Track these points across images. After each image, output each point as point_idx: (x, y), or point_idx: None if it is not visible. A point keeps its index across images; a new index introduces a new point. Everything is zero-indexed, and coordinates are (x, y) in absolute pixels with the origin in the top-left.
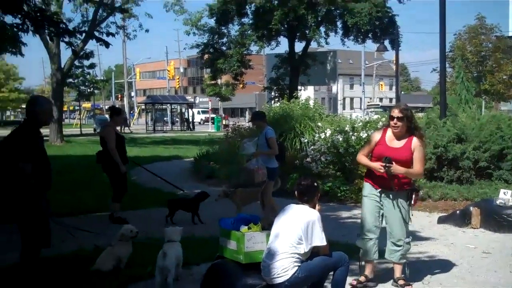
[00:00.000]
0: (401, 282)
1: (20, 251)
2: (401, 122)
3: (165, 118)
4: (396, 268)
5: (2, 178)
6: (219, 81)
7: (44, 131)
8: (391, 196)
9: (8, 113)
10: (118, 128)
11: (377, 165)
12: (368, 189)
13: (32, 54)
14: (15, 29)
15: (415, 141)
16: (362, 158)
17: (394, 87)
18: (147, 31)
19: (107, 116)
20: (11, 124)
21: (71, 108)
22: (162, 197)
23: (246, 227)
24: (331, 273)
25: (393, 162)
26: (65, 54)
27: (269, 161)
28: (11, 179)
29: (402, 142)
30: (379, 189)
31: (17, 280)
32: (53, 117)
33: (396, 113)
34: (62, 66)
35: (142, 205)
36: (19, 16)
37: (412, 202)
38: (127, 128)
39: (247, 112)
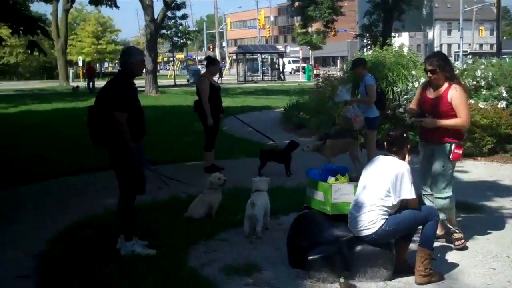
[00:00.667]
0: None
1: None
2: (435, 75)
3: (255, 68)
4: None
5: (100, 127)
6: (309, 29)
7: (140, 82)
8: (432, 148)
9: (106, 64)
10: (216, 77)
11: (414, 119)
12: (419, 142)
13: (127, 6)
14: None
15: (451, 90)
16: (409, 108)
17: (495, 32)
18: None
19: (199, 66)
20: (109, 75)
21: (165, 59)
22: (252, 147)
23: (334, 178)
24: (420, 227)
25: (426, 115)
26: (158, 5)
27: (368, 110)
28: (108, 128)
29: (439, 93)
30: (424, 141)
31: (117, 225)
32: (145, 68)
33: (427, 66)
34: (155, 17)
35: (232, 154)
36: None
37: (451, 157)
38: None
39: (338, 61)
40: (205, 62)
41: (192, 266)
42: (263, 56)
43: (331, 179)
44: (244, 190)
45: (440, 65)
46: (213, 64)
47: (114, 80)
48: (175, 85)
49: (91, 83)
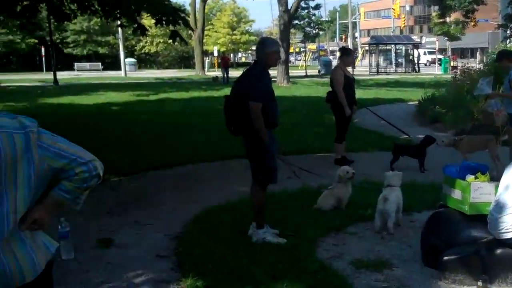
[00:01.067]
0: None
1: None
2: None
3: (389, 59)
4: None
5: (236, 116)
6: (447, 19)
7: (272, 72)
8: None
9: (239, 54)
10: (350, 68)
11: None
12: None
13: None
14: None
15: None
16: None
17: None
18: None
19: (331, 57)
20: (242, 65)
21: (297, 50)
22: (384, 141)
23: (473, 176)
24: None
25: None
26: None
27: (511, 106)
28: (243, 117)
29: None
30: None
31: (249, 212)
32: (280, 59)
33: None
34: (289, 7)
35: (363, 147)
36: None
37: None
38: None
39: (478, 53)
40: (337, 53)
41: (321, 257)
42: (397, 47)
43: (470, 177)
44: (375, 184)
45: None
46: (347, 55)
47: (250, 70)
48: (306, 76)
49: (225, 73)
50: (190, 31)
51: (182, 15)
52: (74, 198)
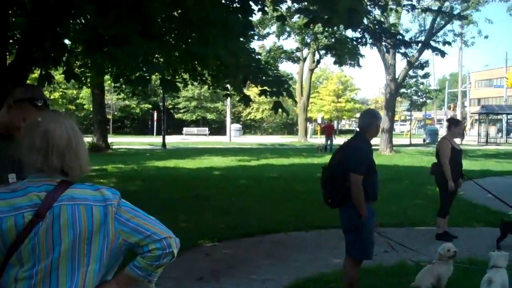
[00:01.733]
0: None
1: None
2: None
3: (499, 129)
4: None
5: (334, 188)
6: None
7: (375, 141)
8: None
9: (343, 122)
10: (457, 140)
11: None
12: None
13: (367, 65)
14: (355, 43)
15: None
16: None
17: None
18: (486, 37)
19: (437, 126)
20: (345, 132)
21: (402, 118)
22: (491, 216)
23: None
24: None
25: None
26: (400, 64)
27: None
28: (342, 189)
29: None
30: None
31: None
32: (379, 131)
33: None
34: (396, 76)
35: (468, 222)
36: (359, 30)
37: None
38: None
39: None
40: (444, 122)
41: None
42: (508, 117)
43: None
44: (479, 264)
45: None
46: (455, 125)
47: (353, 140)
48: (410, 145)
49: (329, 141)
50: (296, 103)
51: (286, 86)
52: (147, 275)
